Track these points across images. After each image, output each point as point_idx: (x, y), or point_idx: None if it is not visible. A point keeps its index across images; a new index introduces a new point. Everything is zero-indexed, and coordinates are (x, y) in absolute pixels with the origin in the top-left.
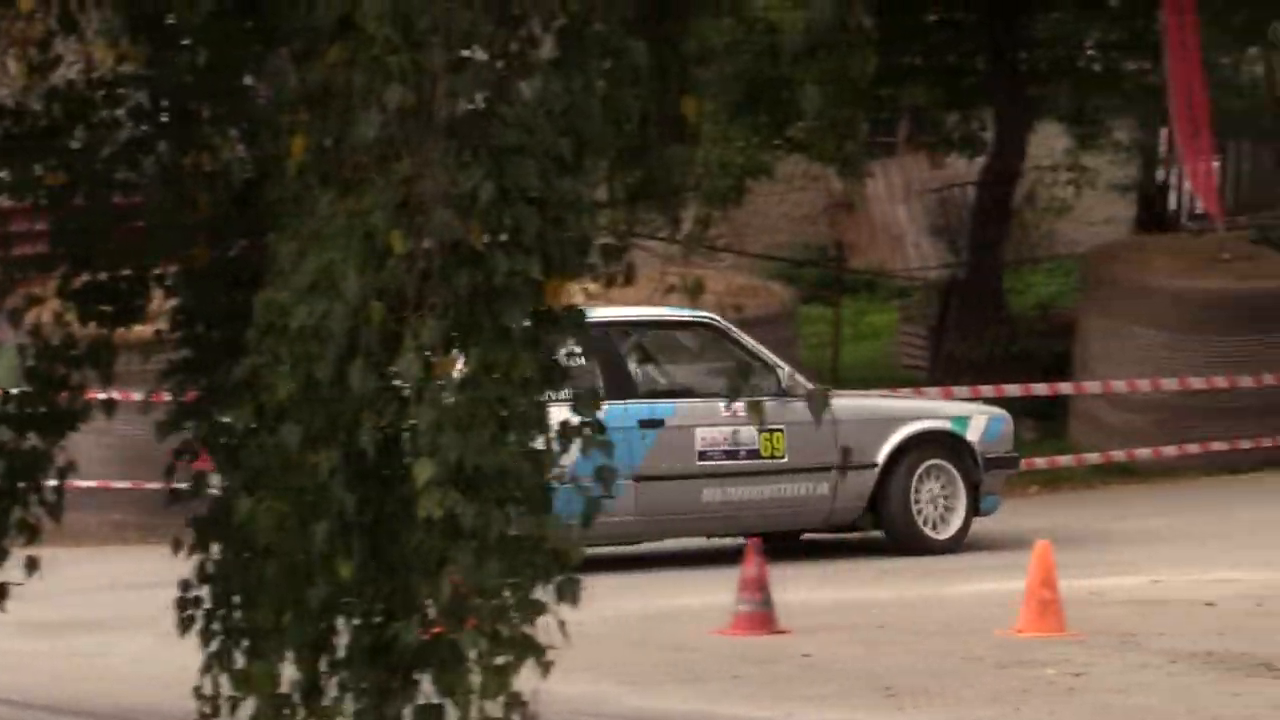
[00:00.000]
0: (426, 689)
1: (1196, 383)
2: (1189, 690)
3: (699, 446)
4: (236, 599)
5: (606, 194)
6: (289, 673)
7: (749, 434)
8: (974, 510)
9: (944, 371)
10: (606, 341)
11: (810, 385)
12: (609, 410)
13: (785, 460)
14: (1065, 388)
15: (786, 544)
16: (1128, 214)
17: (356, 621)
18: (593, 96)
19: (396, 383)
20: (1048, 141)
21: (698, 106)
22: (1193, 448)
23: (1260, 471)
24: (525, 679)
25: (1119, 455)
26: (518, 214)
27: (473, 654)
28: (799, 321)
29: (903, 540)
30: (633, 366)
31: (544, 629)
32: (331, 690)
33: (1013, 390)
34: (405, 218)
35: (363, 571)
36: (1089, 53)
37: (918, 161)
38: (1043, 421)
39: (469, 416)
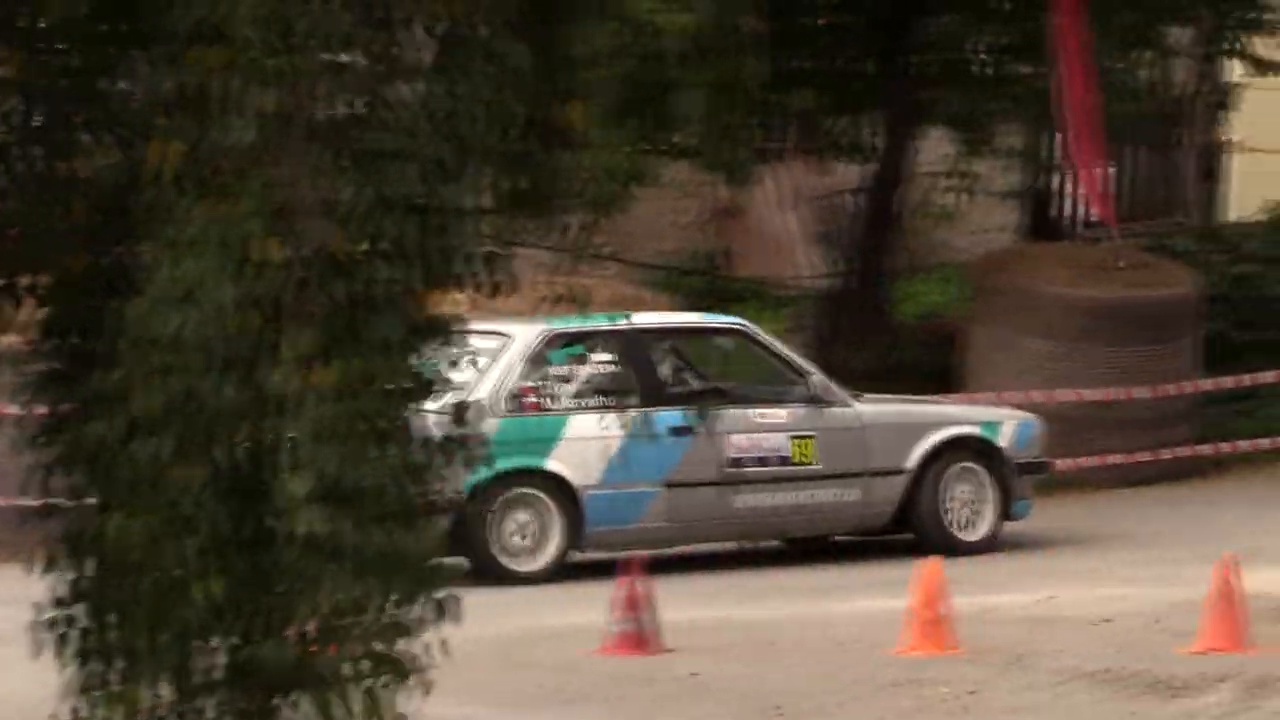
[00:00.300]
0: (304, 710)
1: (1091, 394)
2: (1082, 710)
3: (730, 453)
4: (110, 618)
5: (489, 201)
6: (163, 693)
7: (781, 440)
8: (1005, 515)
9: None
10: (639, 348)
11: (840, 390)
12: (639, 416)
13: (817, 466)
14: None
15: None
16: (1017, 221)
17: (231, 641)
18: (475, 101)
19: (268, 394)
20: (936, 147)
21: (582, 111)
22: (1088, 460)
23: (1156, 485)
24: (401, 700)
25: None
26: (397, 221)
27: (347, 674)
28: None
29: (933, 543)
30: (664, 373)
31: (418, 648)
32: (207, 711)
33: None
34: (280, 225)
35: (236, 589)
36: (979, 56)
37: (804, 167)
38: None
39: (343, 429)
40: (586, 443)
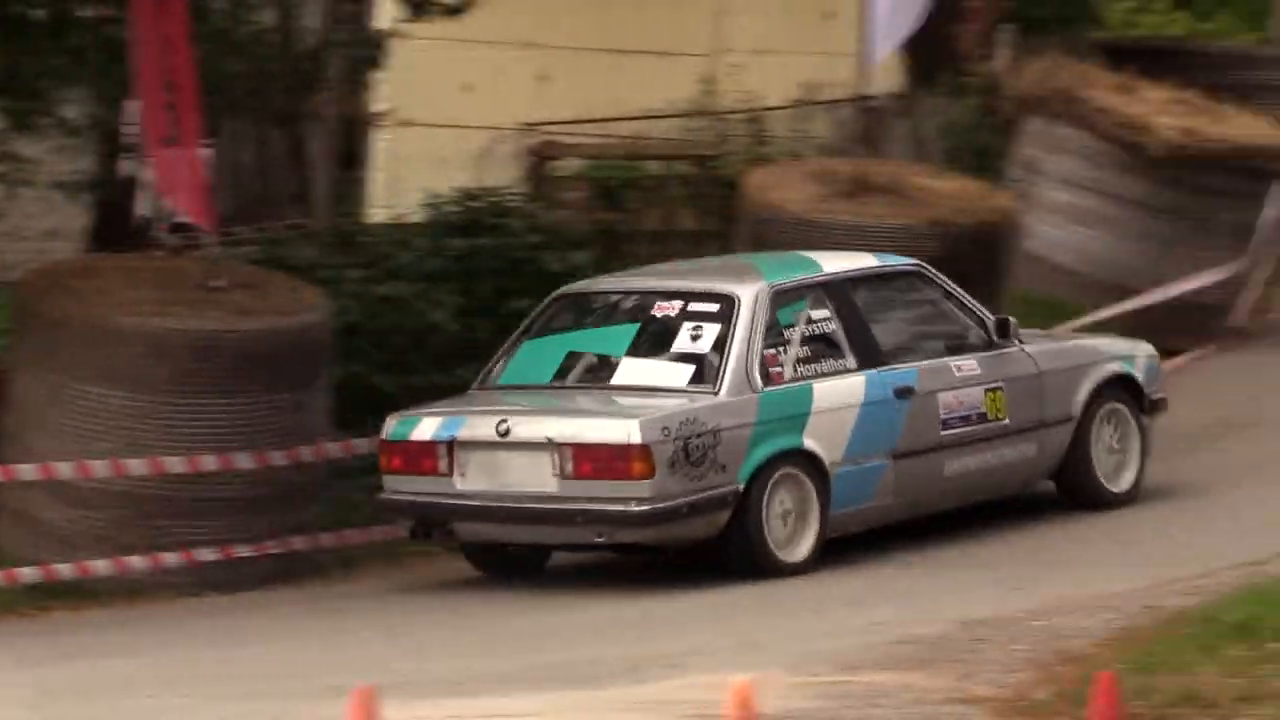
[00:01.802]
0: None
1: (176, 464)
2: None
3: (942, 414)
4: None
5: None
6: None
7: (978, 395)
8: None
9: None
10: (847, 299)
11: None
12: (867, 379)
13: (1007, 422)
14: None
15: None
16: (81, 224)
17: None
18: None
19: None
20: None
21: None
22: (169, 557)
23: (267, 589)
24: None
25: (66, 570)
26: None
27: None
28: None
29: (1081, 495)
30: (875, 326)
31: None
32: None
33: None
34: None
35: None
36: None
37: None
38: None
39: None
40: (832, 415)
